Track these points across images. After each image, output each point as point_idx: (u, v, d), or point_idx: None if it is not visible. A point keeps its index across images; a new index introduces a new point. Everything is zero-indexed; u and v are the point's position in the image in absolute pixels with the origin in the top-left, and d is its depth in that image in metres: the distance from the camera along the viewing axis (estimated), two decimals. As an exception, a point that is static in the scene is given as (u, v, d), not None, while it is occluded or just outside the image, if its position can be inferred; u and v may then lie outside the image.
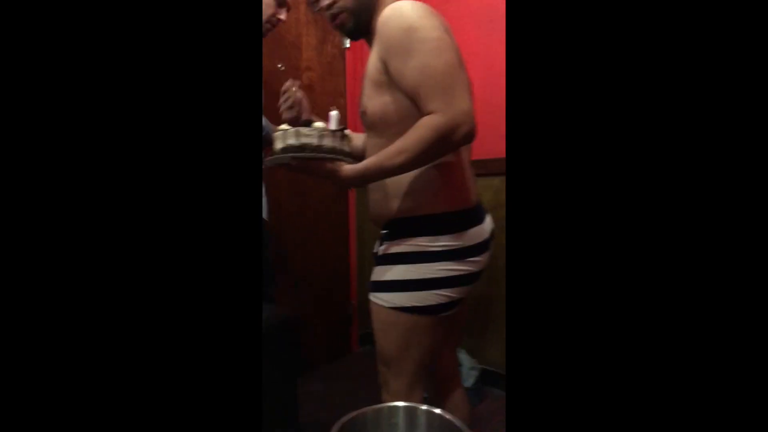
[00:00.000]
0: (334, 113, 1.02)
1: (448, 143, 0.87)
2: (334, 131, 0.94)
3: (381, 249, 1.08)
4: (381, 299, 1.04)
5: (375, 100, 0.98)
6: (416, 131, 0.87)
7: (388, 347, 1.06)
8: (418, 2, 0.92)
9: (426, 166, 0.97)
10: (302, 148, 0.92)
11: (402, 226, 1.03)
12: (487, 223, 1.08)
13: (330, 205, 2.47)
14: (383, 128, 0.98)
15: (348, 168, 0.95)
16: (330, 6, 1.03)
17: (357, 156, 1.09)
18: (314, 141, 0.91)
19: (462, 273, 1.01)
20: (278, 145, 0.94)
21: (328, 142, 0.92)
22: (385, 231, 1.08)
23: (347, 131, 0.99)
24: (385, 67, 0.93)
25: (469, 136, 0.88)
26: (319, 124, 0.95)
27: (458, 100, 0.86)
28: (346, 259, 2.61)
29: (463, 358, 2.10)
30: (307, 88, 2.27)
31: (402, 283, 1.02)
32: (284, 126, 0.96)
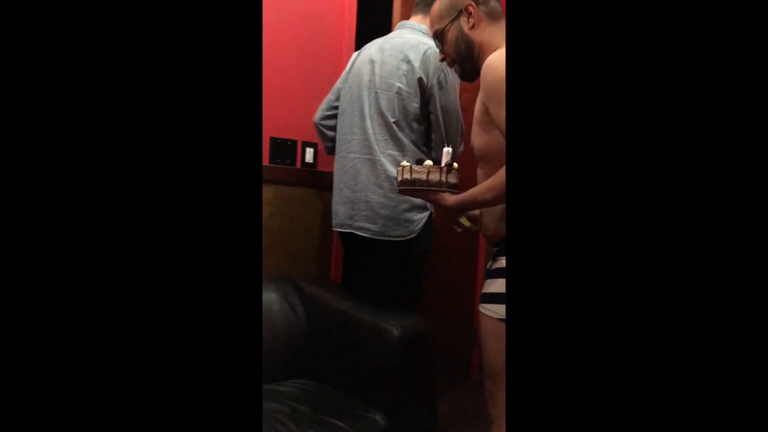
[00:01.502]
0: (445, 150, 1.17)
1: None
2: (441, 167, 1.12)
3: (491, 264, 1.14)
4: (488, 309, 1.09)
5: (480, 137, 1.12)
6: (502, 173, 0.99)
7: (494, 359, 1.07)
8: None
9: None
10: (413, 182, 1.13)
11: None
12: None
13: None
14: (488, 161, 1.12)
15: (450, 198, 1.11)
16: (444, 58, 1.25)
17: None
18: (423, 177, 1.12)
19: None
20: (399, 177, 1.16)
21: (434, 177, 1.12)
22: (496, 248, 1.14)
23: (455, 165, 1.15)
24: (486, 110, 1.07)
25: None
26: (428, 162, 1.15)
27: None
28: (473, 282, 2.52)
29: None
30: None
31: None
32: (405, 162, 1.17)
